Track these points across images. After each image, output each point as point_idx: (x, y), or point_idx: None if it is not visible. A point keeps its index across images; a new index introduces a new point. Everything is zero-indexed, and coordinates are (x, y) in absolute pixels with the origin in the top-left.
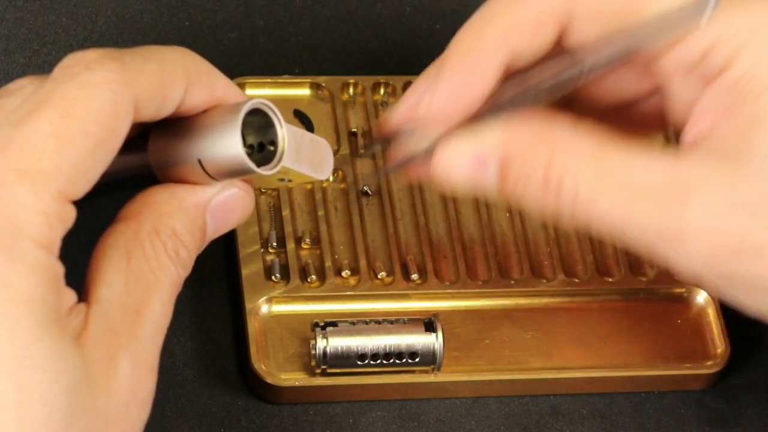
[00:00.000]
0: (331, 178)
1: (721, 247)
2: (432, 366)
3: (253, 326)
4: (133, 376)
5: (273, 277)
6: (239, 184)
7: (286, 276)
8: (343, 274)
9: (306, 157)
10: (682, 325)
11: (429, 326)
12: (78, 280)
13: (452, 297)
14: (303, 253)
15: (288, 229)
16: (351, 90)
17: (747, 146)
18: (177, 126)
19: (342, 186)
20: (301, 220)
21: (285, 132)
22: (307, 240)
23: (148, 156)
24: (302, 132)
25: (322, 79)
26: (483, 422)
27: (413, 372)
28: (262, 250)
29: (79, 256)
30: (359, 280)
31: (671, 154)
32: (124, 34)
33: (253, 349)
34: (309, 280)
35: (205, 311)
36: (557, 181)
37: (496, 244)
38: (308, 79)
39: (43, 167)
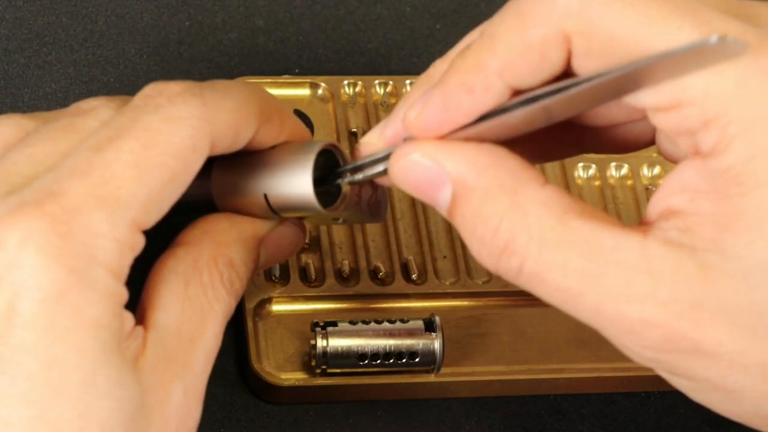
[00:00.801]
0: None
1: (676, 344)
2: (432, 366)
3: (253, 326)
4: (185, 405)
5: (273, 277)
6: (293, 219)
7: (286, 276)
8: (343, 274)
9: (365, 200)
10: None
11: (429, 326)
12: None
13: (452, 297)
14: (303, 253)
15: None
16: (351, 90)
17: (724, 246)
18: (244, 159)
19: None
20: None
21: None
22: (307, 240)
23: (212, 185)
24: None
25: (322, 79)
26: (483, 422)
27: (413, 372)
28: None
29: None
30: (359, 280)
31: (639, 234)
32: (123, 34)
33: (253, 349)
34: (309, 280)
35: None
36: (506, 240)
37: None
38: (308, 79)
39: (121, 196)
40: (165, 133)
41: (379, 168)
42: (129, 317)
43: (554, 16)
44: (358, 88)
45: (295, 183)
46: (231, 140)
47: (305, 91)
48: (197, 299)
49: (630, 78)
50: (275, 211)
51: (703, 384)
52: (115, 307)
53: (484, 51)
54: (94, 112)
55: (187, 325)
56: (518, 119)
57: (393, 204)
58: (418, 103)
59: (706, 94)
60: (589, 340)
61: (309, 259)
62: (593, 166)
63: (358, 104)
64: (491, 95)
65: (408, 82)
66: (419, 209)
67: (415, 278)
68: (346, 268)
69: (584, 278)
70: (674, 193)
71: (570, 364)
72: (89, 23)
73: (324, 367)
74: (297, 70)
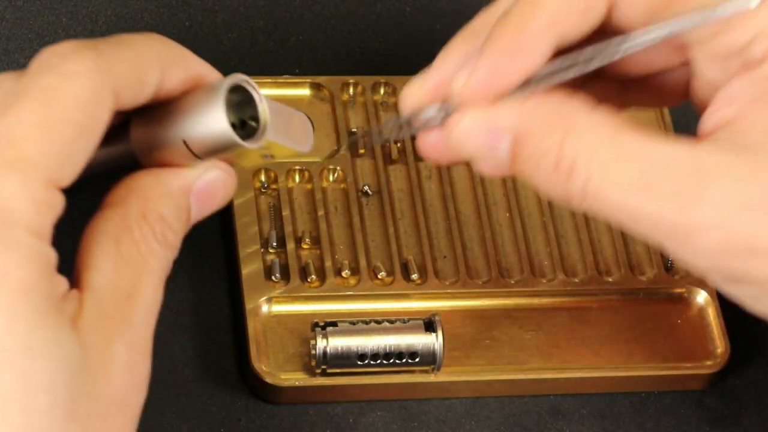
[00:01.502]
0: (331, 178)
1: (732, 246)
2: (432, 366)
3: (253, 326)
4: (129, 361)
5: (273, 277)
6: (221, 165)
7: (286, 276)
8: (343, 274)
9: (288, 130)
10: (682, 325)
11: (429, 326)
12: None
13: (452, 297)
14: (303, 253)
15: (288, 229)
16: (351, 90)
17: None
18: (158, 110)
19: (342, 186)
20: (301, 220)
21: (266, 106)
22: (307, 240)
23: (131, 142)
24: (282, 106)
25: (322, 79)
26: (483, 422)
27: (413, 372)
28: (262, 250)
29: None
30: (359, 280)
31: (689, 141)
32: (124, 33)
33: (253, 349)
34: (309, 280)
35: (205, 311)
36: (569, 165)
37: (496, 244)
38: (308, 79)
39: (29, 156)
40: (63, 89)
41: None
42: (62, 280)
43: None
44: (358, 88)
45: (209, 121)
46: (135, 90)
47: (305, 91)
48: (130, 256)
49: (672, 33)
50: (198, 156)
51: (764, 288)
52: (43, 268)
53: (527, 12)
54: (1, 86)
55: (123, 282)
56: (562, 79)
57: (393, 204)
58: (464, 70)
59: (756, 11)
60: (589, 340)
61: (309, 259)
62: None
63: (358, 104)
64: (538, 55)
65: (407, 82)
66: (419, 209)
67: (415, 278)
68: (346, 268)
69: (640, 190)
70: (723, 106)
71: (570, 365)
72: (89, 23)
73: (324, 367)
74: (297, 70)
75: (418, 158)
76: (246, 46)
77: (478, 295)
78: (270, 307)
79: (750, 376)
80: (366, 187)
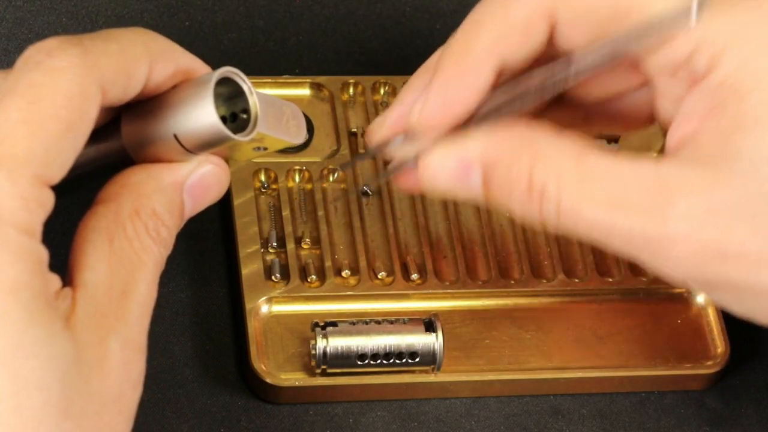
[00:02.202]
0: (331, 178)
1: (704, 253)
2: (432, 366)
3: (253, 326)
4: (124, 358)
5: (273, 277)
6: (214, 160)
7: (286, 276)
8: (343, 274)
9: (280, 122)
10: (682, 325)
11: (429, 326)
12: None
13: (452, 297)
14: (303, 253)
15: (288, 229)
16: (351, 90)
17: (730, 150)
18: (148, 105)
19: (342, 186)
20: (301, 220)
21: (256, 98)
22: (307, 240)
23: (123, 138)
24: (273, 98)
25: (322, 79)
26: (483, 422)
27: (413, 372)
28: (262, 250)
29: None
30: (359, 280)
31: (653, 159)
32: None
33: (253, 349)
34: (309, 280)
35: (205, 311)
36: (540, 189)
37: (496, 244)
38: (308, 79)
39: (16, 153)
40: (49, 86)
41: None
42: (54, 278)
43: None
44: (358, 88)
45: (198, 114)
46: (123, 84)
47: (305, 91)
48: (124, 253)
49: (615, 50)
50: (189, 150)
51: (741, 292)
52: (34, 266)
53: (470, 36)
54: None
55: (116, 279)
56: (515, 107)
57: (393, 204)
58: (419, 101)
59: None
60: (589, 340)
61: (309, 259)
62: None
63: (358, 104)
64: (483, 76)
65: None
66: (419, 209)
67: (415, 278)
68: (346, 268)
69: (610, 207)
70: (682, 123)
71: (570, 365)
72: (89, 23)
73: (324, 367)
74: (297, 70)
75: None
76: (246, 46)
77: (478, 295)
78: (270, 307)
79: (750, 376)
80: (366, 187)
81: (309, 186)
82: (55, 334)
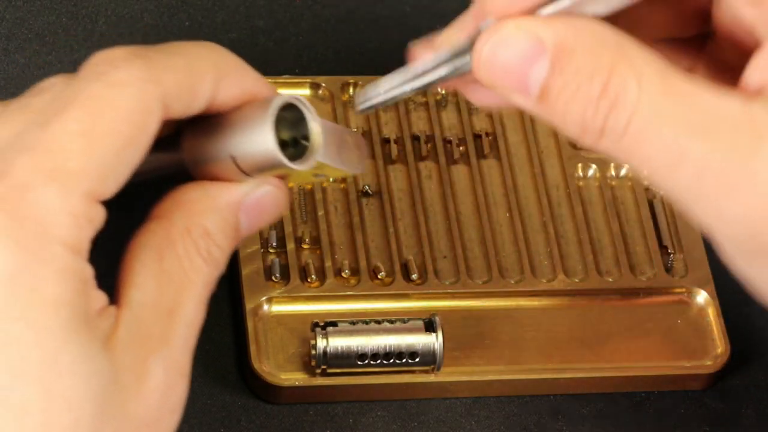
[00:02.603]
0: (331, 178)
1: None
2: (432, 366)
3: (253, 326)
4: (165, 381)
5: (273, 277)
6: (273, 181)
7: (286, 276)
8: (343, 274)
9: (340, 151)
10: (682, 325)
11: (429, 326)
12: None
13: (452, 297)
14: (303, 253)
15: (288, 229)
16: (351, 90)
17: None
18: (210, 122)
19: (342, 186)
20: (301, 220)
21: (318, 126)
22: (307, 240)
23: (183, 153)
24: (336, 126)
25: (322, 79)
26: (483, 422)
27: (413, 372)
28: (262, 250)
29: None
30: (359, 280)
31: (741, 95)
32: (124, 34)
33: (253, 349)
34: (309, 280)
35: (206, 311)
36: (615, 93)
37: (496, 244)
38: (308, 79)
39: (70, 167)
40: (111, 99)
41: (442, 72)
42: (99, 296)
43: None
44: (358, 88)
45: (257, 140)
46: (186, 101)
47: (305, 91)
48: (173, 272)
49: None
50: (246, 173)
51: None
52: (77, 284)
53: None
54: (50, 89)
55: (164, 299)
56: None
57: (393, 204)
58: None
59: None
60: (589, 340)
61: (309, 259)
62: (593, 166)
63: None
64: None
65: None
66: (419, 209)
67: (415, 278)
68: (346, 268)
69: (691, 131)
70: (766, 65)
71: (570, 364)
72: (89, 23)
73: (324, 367)
74: (297, 70)
75: (418, 158)
76: (246, 46)
77: (478, 295)
78: (270, 307)
79: (750, 376)
80: (366, 187)
81: (309, 186)
82: (93, 353)
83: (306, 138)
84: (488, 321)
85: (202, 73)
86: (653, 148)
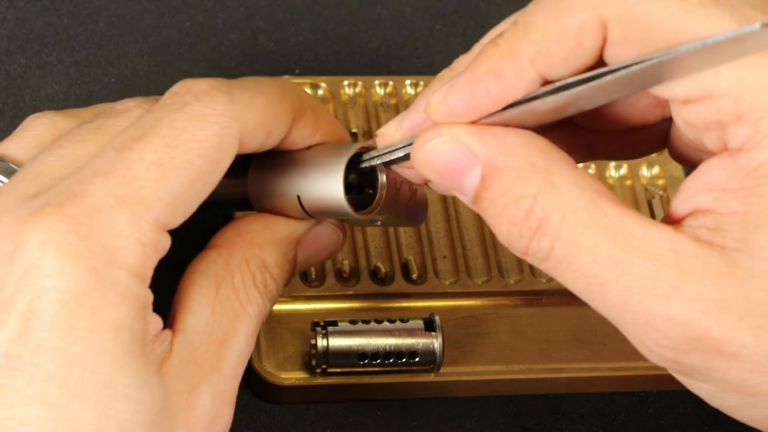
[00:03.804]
0: None
1: (700, 342)
2: (432, 366)
3: None
4: (213, 409)
5: None
6: (332, 220)
7: None
8: (343, 274)
9: (402, 203)
10: None
11: (429, 326)
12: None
13: (452, 297)
14: None
15: None
16: (351, 90)
17: (754, 243)
18: (279, 159)
19: None
20: None
21: (384, 179)
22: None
23: (248, 184)
24: (401, 179)
25: (322, 80)
26: (483, 422)
27: (413, 372)
28: None
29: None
30: (359, 280)
31: (669, 229)
32: (124, 34)
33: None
34: (309, 280)
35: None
36: (539, 219)
37: (496, 244)
38: (308, 80)
39: (143, 196)
40: (190, 132)
41: (399, 154)
42: (155, 320)
43: (593, 1)
44: (358, 89)
45: (327, 186)
46: (262, 138)
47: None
48: (228, 302)
49: (664, 67)
50: (309, 214)
51: (721, 387)
52: (138, 310)
53: (518, 38)
54: (127, 113)
55: (217, 327)
56: (546, 107)
57: None
58: (442, 89)
59: (740, 85)
60: (589, 340)
61: None
62: (592, 166)
63: (358, 104)
64: (522, 82)
65: (408, 82)
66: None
67: (415, 278)
68: (346, 268)
69: (612, 265)
70: (700, 192)
71: (570, 364)
72: (90, 24)
73: (324, 366)
74: (297, 71)
75: None
76: (246, 46)
77: (478, 295)
78: None
79: None
80: None
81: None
82: (148, 378)
83: (371, 186)
84: (488, 321)
85: (280, 114)
86: (575, 275)
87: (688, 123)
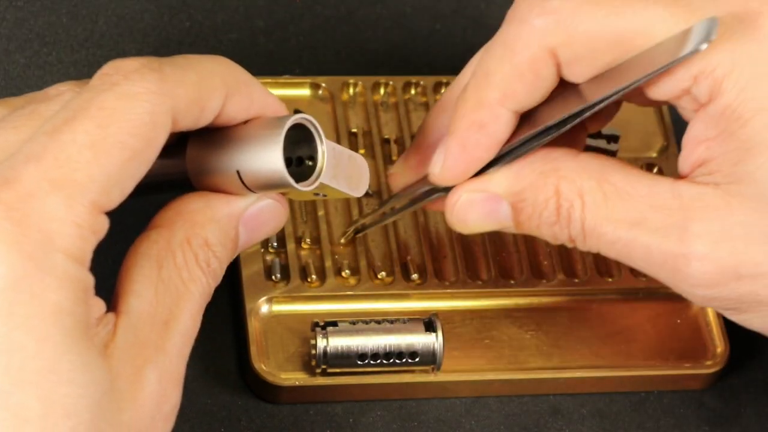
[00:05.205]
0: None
1: (720, 273)
2: (432, 366)
3: (253, 326)
4: (159, 390)
5: (273, 277)
6: (274, 195)
7: (286, 276)
8: (343, 274)
9: (343, 174)
10: (682, 325)
11: (429, 326)
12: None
13: (452, 297)
14: (303, 253)
15: (288, 229)
16: (351, 90)
17: (739, 173)
18: (216, 135)
19: None
20: (301, 220)
21: (325, 149)
22: (307, 240)
23: (186, 163)
24: (341, 148)
25: (322, 79)
26: (483, 422)
27: (413, 372)
28: (262, 250)
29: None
30: (359, 280)
31: (670, 180)
32: (124, 34)
33: (253, 349)
34: (309, 280)
35: (206, 311)
36: (567, 211)
37: (496, 244)
38: (308, 79)
39: (77, 178)
40: (121, 111)
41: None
42: (98, 303)
43: (535, 36)
44: (358, 88)
45: (266, 159)
46: (195, 115)
47: (305, 92)
48: (171, 281)
49: (628, 88)
50: (250, 188)
51: (760, 309)
52: (78, 293)
53: (482, 87)
54: (59, 98)
55: (160, 308)
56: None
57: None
58: (438, 157)
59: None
60: (588, 340)
61: (309, 259)
62: None
63: (358, 104)
64: (501, 124)
65: (408, 82)
66: (419, 209)
67: (415, 278)
68: (346, 268)
69: (629, 227)
70: (693, 148)
71: (570, 364)
72: (90, 23)
73: (324, 366)
74: (297, 70)
75: None
76: (246, 46)
77: (478, 295)
78: (270, 307)
79: (749, 376)
80: (366, 188)
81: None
82: (91, 362)
83: (311, 158)
84: (488, 321)
85: (213, 89)
86: (609, 245)
87: (661, 99)
